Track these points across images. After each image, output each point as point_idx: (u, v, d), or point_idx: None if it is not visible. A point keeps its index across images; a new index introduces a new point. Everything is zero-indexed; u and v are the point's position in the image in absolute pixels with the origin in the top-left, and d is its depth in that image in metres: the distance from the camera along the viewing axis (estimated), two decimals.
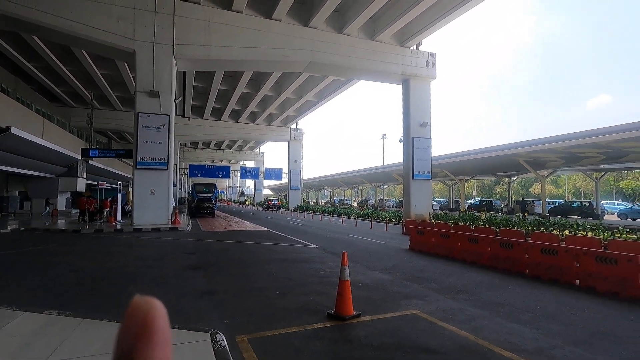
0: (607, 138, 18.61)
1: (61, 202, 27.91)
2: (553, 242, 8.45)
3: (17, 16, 14.08)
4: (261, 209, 46.60)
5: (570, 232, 13.20)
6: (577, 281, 6.85)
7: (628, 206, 30.12)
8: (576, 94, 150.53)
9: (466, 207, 35.04)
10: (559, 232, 13.20)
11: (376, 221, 24.02)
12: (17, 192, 27.21)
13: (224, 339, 3.70)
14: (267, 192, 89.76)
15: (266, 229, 17.93)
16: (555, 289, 6.60)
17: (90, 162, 27.10)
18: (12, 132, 16.08)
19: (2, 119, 16.36)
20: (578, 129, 29.33)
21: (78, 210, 19.37)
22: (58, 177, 26.44)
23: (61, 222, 18.25)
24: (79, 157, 24.30)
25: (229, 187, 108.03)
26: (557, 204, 33.16)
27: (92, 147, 28.08)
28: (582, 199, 43.25)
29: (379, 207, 40.12)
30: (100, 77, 26.64)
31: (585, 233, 13.02)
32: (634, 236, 11.75)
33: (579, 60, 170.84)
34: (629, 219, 24.70)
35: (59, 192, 26.79)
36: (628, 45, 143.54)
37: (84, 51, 21.89)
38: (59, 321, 4.20)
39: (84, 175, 27.59)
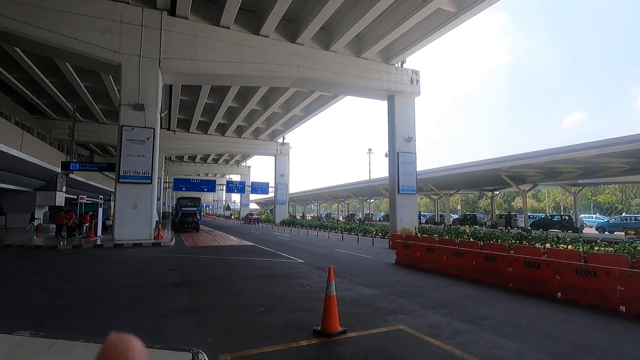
0: (583, 154, 19.33)
1: (38, 217, 26.89)
2: (535, 255, 8.60)
3: None
4: (243, 222, 48.14)
5: (551, 246, 13.49)
6: (559, 294, 6.97)
7: (605, 219, 31.08)
8: (552, 111, 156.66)
9: (451, 221, 35.51)
10: (541, 245, 13.48)
11: (363, 235, 24.02)
12: None
13: (206, 358, 3.59)
14: (253, 206, 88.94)
15: (252, 243, 17.68)
16: (539, 302, 6.69)
17: (70, 175, 26.36)
18: None
19: None
20: (556, 145, 30.37)
21: (56, 226, 18.67)
22: (36, 191, 25.58)
23: (38, 238, 17.57)
24: (59, 170, 23.64)
25: (214, 201, 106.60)
26: (538, 217, 33.98)
27: (73, 160, 27.39)
28: (562, 213, 44.50)
29: (366, 221, 40.20)
30: (84, 89, 26.26)
31: (565, 246, 13.34)
32: (611, 249, 12.10)
33: (554, 79, 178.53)
34: (606, 232, 25.45)
35: (37, 206, 25.85)
36: (600, 64, 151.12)
37: (67, 63, 21.60)
38: (31, 342, 3.99)
39: (64, 189, 26.79)
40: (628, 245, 11.91)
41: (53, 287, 7.36)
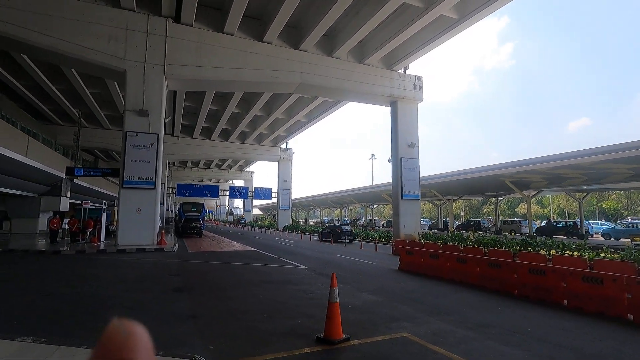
0: (587, 160, 19.20)
1: (42, 222, 27.02)
2: (540, 262, 8.51)
3: (4, 34, 14.03)
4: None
5: (556, 252, 13.35)
6: (565, 301, 6.88)
7: (611, 226, 30.77)
8: (558, 116, 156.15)
9: (454, 227, 35.27)
10: (546, 251, 13.34)
11: (366, 241, 23.91)
12: None
13: None
14: (256, 211, 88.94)
15: (255, 249, 17.64)
16: (544, 309, 6.60)
17: (74, 180, 26.53)
18: None
19: None
20: (560, 151, 30.22)
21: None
22: (40, 196, 25.75)
23: (41, 243, 17.63)
24: (64, 175, 23.80)
25: (217, 206, 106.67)
26: (542, 224, 33.68)
27: (78, 165, 27.56)
28: (567, 219, 44.11)
29: (369, 227, 40.05)
30: (89, 95, 26.50)
31: (571, 253, 13.19)
32: (617, 255, 11.95)
33: (559, 83, 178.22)
34: (612, 239, 25.18)
35: (41, 211, 26.02)
36: (605, 70, 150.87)
37: (73, 70, 21.84)
38: (33, 348, 3.96)
39: (68, 194, 26.94)
40: (635, 252, 11.75)
41: (55, 293, 7.36)
